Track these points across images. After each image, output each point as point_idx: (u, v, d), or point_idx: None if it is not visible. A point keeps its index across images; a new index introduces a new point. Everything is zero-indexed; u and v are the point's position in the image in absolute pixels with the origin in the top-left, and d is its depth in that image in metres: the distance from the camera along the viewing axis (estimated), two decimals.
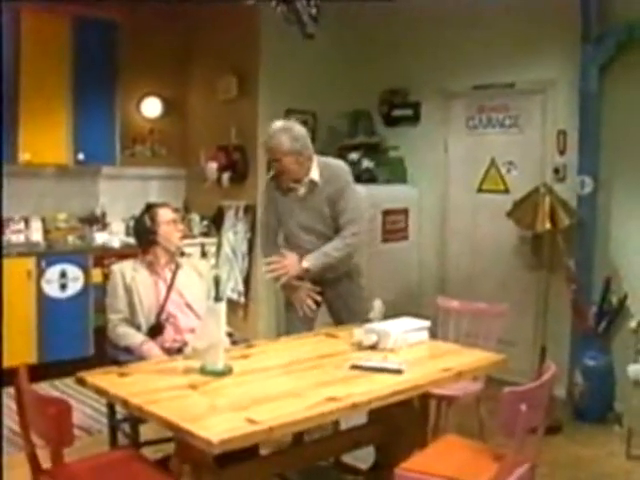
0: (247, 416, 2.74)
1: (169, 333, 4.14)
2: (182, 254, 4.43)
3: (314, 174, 4.48)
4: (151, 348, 3.97)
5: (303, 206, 4.52)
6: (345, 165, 4.71)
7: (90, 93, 6.67)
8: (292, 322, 4.64)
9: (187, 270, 4.39)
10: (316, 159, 4.52)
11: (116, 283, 4.20)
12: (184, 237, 4.76)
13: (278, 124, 4.44)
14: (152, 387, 3.11)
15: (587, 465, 4.78)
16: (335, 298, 4.69)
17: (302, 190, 4.50)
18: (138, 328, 4.12)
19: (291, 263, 4.46)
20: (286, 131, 4.38)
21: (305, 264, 4.43)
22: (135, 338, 4.04)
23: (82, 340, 6.37)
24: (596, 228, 5.75)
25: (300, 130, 4.45)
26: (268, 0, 4.68)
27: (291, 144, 4.35)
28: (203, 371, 3.28)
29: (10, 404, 3.03)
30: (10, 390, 3.02)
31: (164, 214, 4.37)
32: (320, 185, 4.47)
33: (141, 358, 3.87)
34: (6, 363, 3.50)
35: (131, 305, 4.16)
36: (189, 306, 4.24)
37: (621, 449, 4.94)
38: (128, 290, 4.18)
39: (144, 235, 4.33)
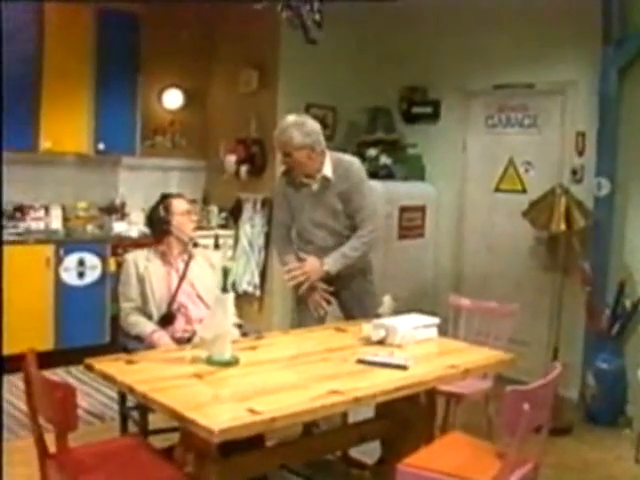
0: (250, 406, 2.76)
1: (180, 323, 4.18)
2: (195, 245, 4.46)
3: (327, 170, 4.47)
4: (161, 337, 4.01)
5: (316, 202, 4.52)
6: (359, 162, 4.69)
7: (112, 83, 6.73)
8: (305, 319, 4.63)
9: (200, 261, 4.42)
10: (329, 155, 4.51)
11: (129, 272, 4.24)
12: (198, 228, 4.79)
13: (290, 118, 4.42)
14: (158, 375, 3.14)
15: (594, 468, 4.77)
16: (349, 297, 4.71)
17: (315, 186, 4.50)
18: (149, 317, 4.16)
19: (312, 269, 4.48)
20: (298, 126, 4.36)
21: (325, 267, 4.46)
22: (146, 327, 4.08)
23: (98, 328, 6.43)
24: (612, 230, 5.73)
25: (313, 125, 4.43)
26: (274, 3, 4.70)
27: (303, 139, 4.34)
28: (210, 361, 3.30)
29: (22, 387, 3.07)
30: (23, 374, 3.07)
31: (178, 205, 4.40)
32: (333, 181, 4.47)
33: (150, 347, 3.91)
34: (21, 348, 3.54)
35: (143, 294, 4.20)
36: (200, 297, 4.27)
37: (630, 453, 4.93)
38: (141, 279, 4.22)
39: (158, 225, 4.37)
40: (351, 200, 4.49)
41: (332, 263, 4.46)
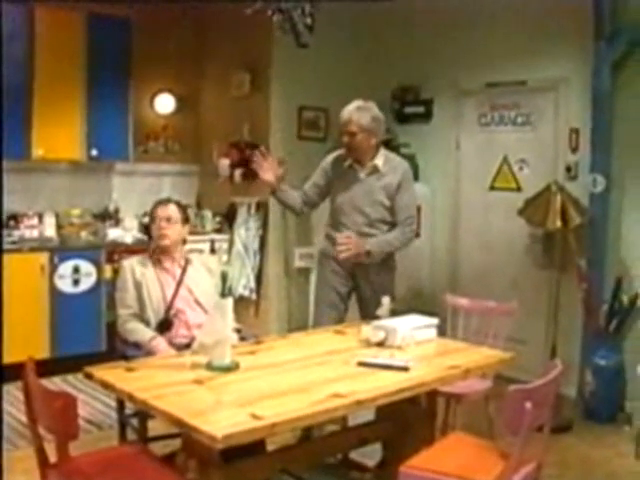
0: (252, 411, 2.75)
1: (177, 329, 4.15)
2: (161, 252, 4.37)
3: (378, 160, 4.70)
4: (159, 343, 3.98)
5: (359, 188, 4.72)
6: (407, 163, 4.93)
7: (104, 89, 6.71)
8: (321, 310, 4.88)
9: (197, 266, 4.39)
10: (382, 149, 4.76)
11: (126, 278, 4.21)
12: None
13: (359, 102, 4.67)
14: (158, 382, 3.13)
15: (596, 465, 4.77)
16: (370, 294, 4.77)
17: (362, 174, 4.71)
18: (147, 323, 4.13)
19: (355, 242, 4.62)
20: (368, 109, 4.65)
21: (367, 247, 4.63)
22: (144, 334, 4.05)
23: (94, 335, 6.39)
24: (607, 227, 5.71)
25: (379, 113, 4.72)
26: (265, 7, 4.73)
27: (370, 122, 4.61)
28: (210, 367, 3.29)
29: (21, 397, 3.05)
30: (21, 384, 3.05)
31: (155, 210, 4.39)
32: (382, 172, 4.69)
33: (149, 353, 3.89)
34: (17, 357, 3.53)
35: (140, 300, 4.17)
36: (198, 302, 4.24)
37: (630, 450, 4.92)
38: (137, 285, 4.19)
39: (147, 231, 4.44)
40: (399, 196, 4.72)
41: (375, 244, 4.67)
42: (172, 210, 4.36)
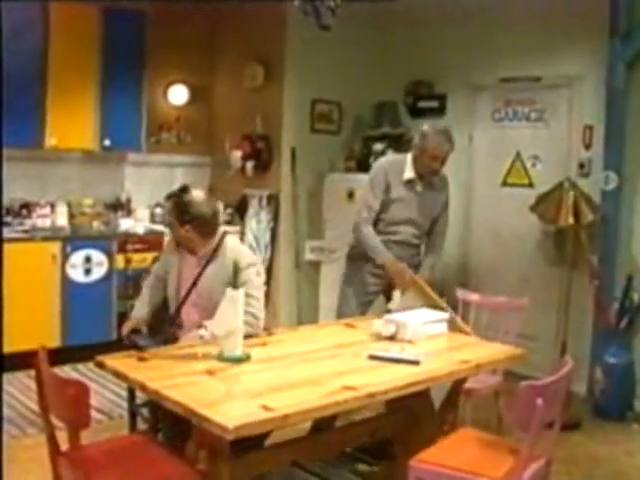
0: (263, 403, 2.76)
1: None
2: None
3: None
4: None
5: (416, 201, 4.88)
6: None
7: (118, 80, 6.71)
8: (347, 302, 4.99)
9: (220, 263, 3.97)
10: None
11: (165, 252, 4.23)
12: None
13: (440, 128, 4.87)
14: (170, 372, 3.14)
15: (604, 463, 4.75)
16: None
17: (419, 186, 4.88)
18: (165, 302, 4.09)
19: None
20: (448, 133, 4.81)
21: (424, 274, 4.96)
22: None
23: (105, 325, 6.42)
24: (619, 224, 5.70)
25: None
26: None
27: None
28: (221, 358, 3.30)
29: (32, 385, 3.06)
30: (32, 372, 3.06)
31: None
32: (435, 186, 4.94)
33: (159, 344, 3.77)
34: (28, 346, 3.54)
35: (165, 280, 4.10)
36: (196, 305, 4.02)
37: (639, 448, 4.93)
38: (167, 266, 4.11)
39: None
40: (444, 211, 5.06)
41: (428, 270, 5.07)
42: (169, 213, 4.01)
